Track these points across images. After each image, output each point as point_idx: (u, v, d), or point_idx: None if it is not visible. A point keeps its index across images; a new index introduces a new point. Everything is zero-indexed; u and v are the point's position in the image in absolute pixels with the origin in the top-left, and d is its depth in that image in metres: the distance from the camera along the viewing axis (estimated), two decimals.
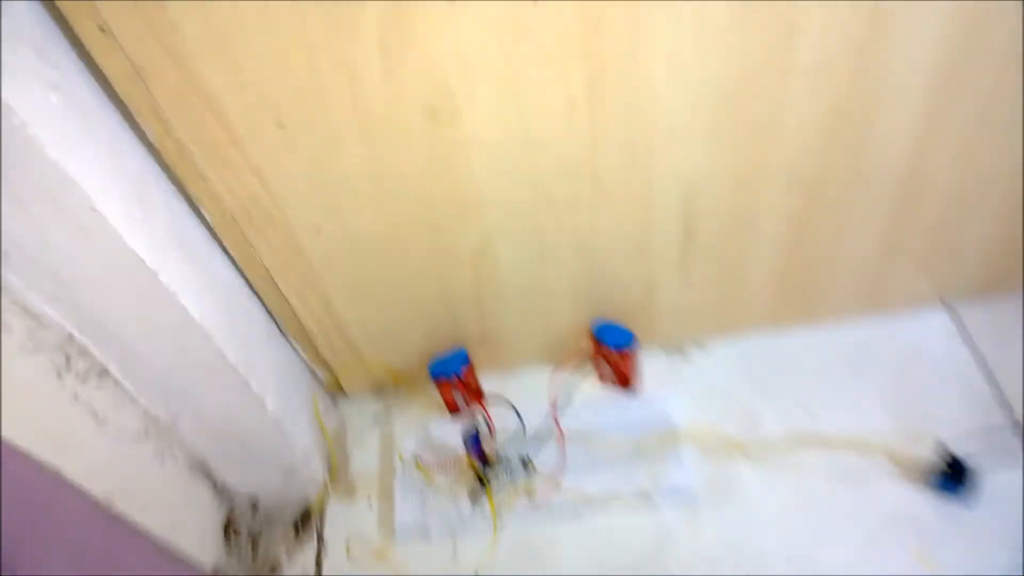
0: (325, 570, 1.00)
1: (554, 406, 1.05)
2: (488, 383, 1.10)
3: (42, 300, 0.70)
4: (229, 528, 1.00)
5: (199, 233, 0.83)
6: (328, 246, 0.89)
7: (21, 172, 0.61)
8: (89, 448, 0.75)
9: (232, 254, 0.88)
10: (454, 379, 1.04)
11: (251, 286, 0.93)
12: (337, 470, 1.08)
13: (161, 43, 0.66)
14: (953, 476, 0.92)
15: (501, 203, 0.87)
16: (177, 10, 0.64)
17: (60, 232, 0.65)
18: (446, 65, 0.72)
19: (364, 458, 1.10)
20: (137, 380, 0.82)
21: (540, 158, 0.82)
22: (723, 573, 0.91)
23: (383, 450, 1.10)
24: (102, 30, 0.65)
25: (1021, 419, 0.98)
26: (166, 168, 0.77)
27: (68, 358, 0.74)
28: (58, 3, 0.63)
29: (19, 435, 0.65)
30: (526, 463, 1.04)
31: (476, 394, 1.09)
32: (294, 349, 1.04)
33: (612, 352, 1.05)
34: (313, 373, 1.09)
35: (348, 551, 1.01)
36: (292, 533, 1.04)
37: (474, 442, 0.99)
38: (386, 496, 1.05)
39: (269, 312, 0.98)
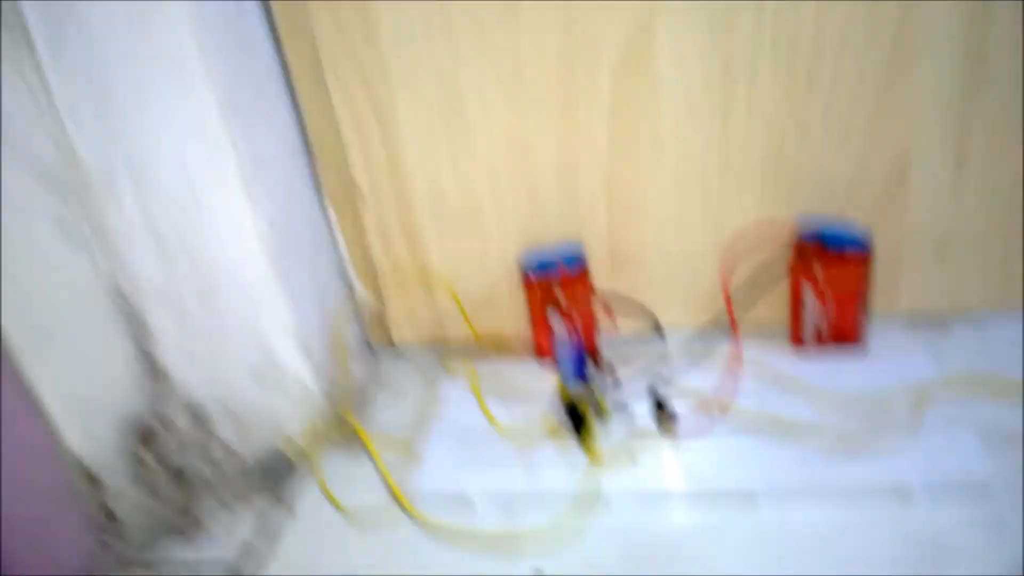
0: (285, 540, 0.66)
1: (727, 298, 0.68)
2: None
3: None
4: (147, 446, 0.66)
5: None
6: None
7: None
8: None
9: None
10: (561, 278, 0.70)
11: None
12: (348, 412, 0.76)
13: None
14: None
15: None
16: None
17: None
18: None
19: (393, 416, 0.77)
20: None
21: None
22: None
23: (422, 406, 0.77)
24: None
25: None
26: None
27: None
28: None
29: None
30: (662, 404, 0.65)
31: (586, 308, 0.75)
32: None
33: (833, 263, 0.65)
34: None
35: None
36: (251, 483, 0.69)
37: (577, 360, 0.69)
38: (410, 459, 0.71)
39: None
